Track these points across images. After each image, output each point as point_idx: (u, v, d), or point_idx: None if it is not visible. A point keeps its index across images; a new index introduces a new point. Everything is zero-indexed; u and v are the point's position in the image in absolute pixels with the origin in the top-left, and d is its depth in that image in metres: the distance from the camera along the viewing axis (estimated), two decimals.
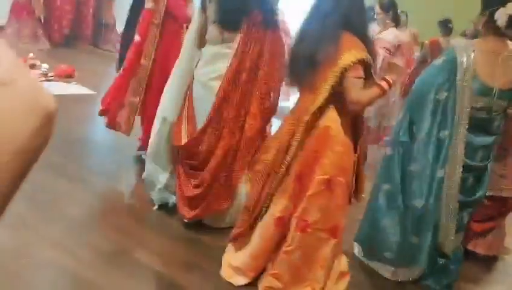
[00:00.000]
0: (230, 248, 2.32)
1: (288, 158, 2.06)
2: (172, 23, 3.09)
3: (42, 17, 6.83)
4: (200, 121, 2.54)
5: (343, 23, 1.99)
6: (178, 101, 2.64)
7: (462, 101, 2.17)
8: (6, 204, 0.47)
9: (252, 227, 2.20)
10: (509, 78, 2.21)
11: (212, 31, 2.53)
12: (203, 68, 2.58)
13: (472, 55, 2.18)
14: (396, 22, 4.03)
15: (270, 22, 2.51)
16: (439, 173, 2.20)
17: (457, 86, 2.17)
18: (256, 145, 2.54)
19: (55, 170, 3.01)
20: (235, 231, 2.27)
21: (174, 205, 2.72)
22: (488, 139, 2.29)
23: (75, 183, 3.01)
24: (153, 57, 3.08)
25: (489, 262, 2.83)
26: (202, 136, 2.52)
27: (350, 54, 1.94)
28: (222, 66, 2.48)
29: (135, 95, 3.15)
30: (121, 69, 3.24)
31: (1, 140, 0.44)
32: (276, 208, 2.12)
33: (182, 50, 2.68)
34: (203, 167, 2.54)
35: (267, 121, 2.63)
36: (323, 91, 1.99)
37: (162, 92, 2.76)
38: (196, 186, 2.56)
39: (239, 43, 2.45)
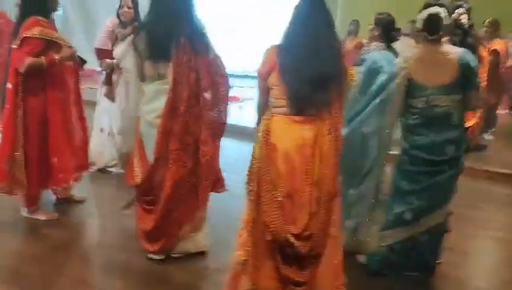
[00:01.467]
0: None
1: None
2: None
3: None
4: (151, 158, 2.55)
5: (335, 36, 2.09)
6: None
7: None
8: None
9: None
10: (442, 77, 2.46)
11: (148, 67, 2.52)
12: (146, 106, 2.59)
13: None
14: None
15: (200, 46, 2.46)
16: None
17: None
18: (215, 168, 2.63)
19: None
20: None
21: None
22: (452, 134, 2.51)
23: None
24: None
25: None
26: (152, 171, 2.54)
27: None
28: (163, 103, 2.47)
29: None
30: None
31: None
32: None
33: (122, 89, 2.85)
34: (158, 200, 2.56)
35: (219, 140, 2.66)
36: (341, 108, 2.09)
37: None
38: (153, 220, 2.58)
39: (172, 75, 2.42)
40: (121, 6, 3.89)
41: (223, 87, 2.58)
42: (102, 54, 3.91)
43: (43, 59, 2.86)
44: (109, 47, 3.92)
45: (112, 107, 3.96)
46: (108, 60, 3.88)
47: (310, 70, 2.00)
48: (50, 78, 2.95)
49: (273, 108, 2.10)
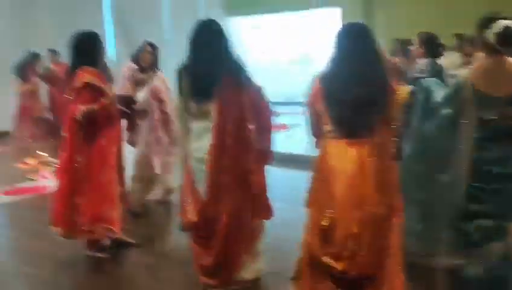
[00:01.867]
0: None
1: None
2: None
3: (47, 115, 7.04)
4: (203, 194, 2.57)
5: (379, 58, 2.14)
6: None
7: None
8: None
9: None
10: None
11: (192, 107, 2.57)
12: (194, 144, 2.62)
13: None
14: None
15: (241, 81, 2.51)
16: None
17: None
18: (264, 196, 2.65)
19: None
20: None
21: None
22: None
23: None
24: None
25: None
26: (207, 207, 2.55)
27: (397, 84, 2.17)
28: (210, 140, 2.52)
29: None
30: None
31: None
32: None
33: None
34: (214, 235, 2.56)
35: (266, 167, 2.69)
36: (389, 130, 2.14)
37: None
38: (212, 255, 2.57)
39: (216, 112, 2.47)
40: (140, 51, 3.87)
41: (266, 116, 2.62)
42: (125, 100, 3.62)
43: (95, 106, 2.98)
44: (131, 93, 3.79)
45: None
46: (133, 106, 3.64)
47: (351, 96, 2.05)
48: (102, 125, 3.06)
49: (327, 132, 2.20)
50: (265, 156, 2.65)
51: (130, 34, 10.27)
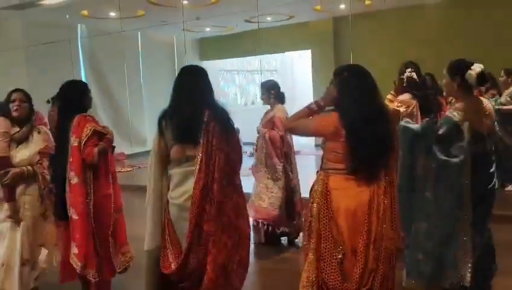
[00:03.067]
0: None
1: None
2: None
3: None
4: (184, 243, 2.47)
5: None
6: (154, 230, 2.61)
7: None
8: None
9: None
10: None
11: (175, 151, 2.51)
12: (175, 190, 2.55)
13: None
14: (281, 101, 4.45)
15: (227, 127, 2.50)
16: None
17: None
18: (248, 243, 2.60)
19: None
20: None
21: None
22: None
23: None
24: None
25: None
26: (187, 257, 2.45)
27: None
28: (192, 185, 2.45)
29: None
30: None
31: None
32: None
33: (148, 178, 2.65)
34: (197, 286, 2.45)
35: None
36: (395, 170, 2.28)
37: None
38: None
39: (201, 157, 2.42)
40: (11, 101, 3.12)
41: (240, 162, 2.60)
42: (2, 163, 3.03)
43: (103, 144, 3.04)
44: (8, 153, 3.06)
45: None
46: (14, 170, 3.03)
47: (374, 134, 2.16)
48: (101, 168, 3.06)
49: (328, 168, 2.26)
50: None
51: (102, 82, 10.37)
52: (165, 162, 2.57)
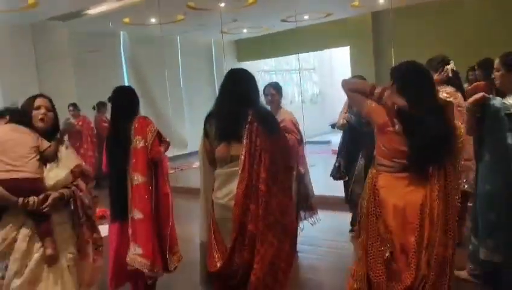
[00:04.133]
0: None
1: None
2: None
3: None
4: (228, 242, 2.51)
5: None
6: (205, 224, 2.69)
7: None
8: None
9: None
10: None
11: (219, 152, 2.55)
12: (219, 190, 2.59)
13: None
14: None
15: (271, 128, 2.51)
16: None
17: None
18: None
19: None
20: None
21: None
22: None
23: None
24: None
25: None
26: (232, 256, 2.48)
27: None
28: (236, 185, 2.48)
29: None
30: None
31: None
32: None
33: (200, 177, 2.74)
34: (243, 284, 2.47)
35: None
36: (455, 170, 2.22)
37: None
38: None
39: (245, 157, 2.44)
40: (35, 108, 2.50)
41: (290, 161, 2.63)
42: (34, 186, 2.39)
43: (165, 145, 3.19)
44: (41, 173, 2.39)
45: None
46: (53, 194, 2.37)
47: (432, 132, 2.12)
48: (159, 168, 3.18)
49: (379, 165, 2.28)
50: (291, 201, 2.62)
51: (144, 86, 10.68)
52: (212, 162, 2.63)
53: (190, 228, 4.92)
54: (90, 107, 8.25)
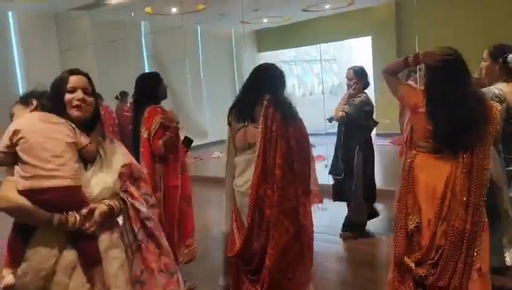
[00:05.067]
0: None
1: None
2: None
3: None
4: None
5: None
6: (228, 215, 2.73)
7: None
8: None
9: None
10: None
11: (238, 139, 2.62)
12: (239, 178, 2.62)
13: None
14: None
15: (289, 115, 2.52)
16: None
17: None
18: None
19: None
20: None
21: None
22: None
23: None
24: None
25: None
26: (248, 239, 2.52)
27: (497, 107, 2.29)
28: (251, 173, 2.51)
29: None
30: None
31: None
32: None
33: (226, 166, 2.78)
34: (260, 269, 2.50)
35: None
36: (485, 150, 2.21)
37: None
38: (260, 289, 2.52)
39: (260, 143, 2.47)
40: (69, 91, 1.78)
41: (307, 150, 2.63)
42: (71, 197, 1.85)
43: (168, 134, 3.16)
44: (80, 181, 1.74)
45: None
46: (100, 207, 1.74)
47: (453, 116, 2.20)
48: (170, 159, 3.19)
49: (417, 146, 2.39)
50: (309, 190, 2.62)
51: (165, 76, 10.74)
52: (233, 148, 2.69)
53: (209, 217, 4.97)
54: (113, 97, 8.35)
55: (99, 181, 1.77)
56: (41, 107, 1.94)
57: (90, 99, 1.80)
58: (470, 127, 2.20)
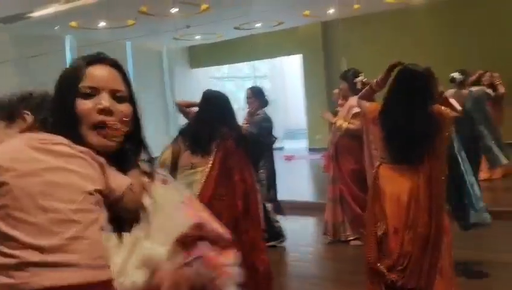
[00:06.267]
0: None
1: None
2: None
3: None
4: None
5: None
6: None
7: None
8: None
9: None
10: None
11: (184, 158, 2.74)
12: None
13: None
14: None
15: (241, 142, 2.76)
16: None
17: None
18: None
19: None
20: None
21: None
22: None
23: None
24: None
25: None
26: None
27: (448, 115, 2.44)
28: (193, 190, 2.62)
29: None
30: None
31: None
32: None
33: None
34: None
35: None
36: (439, 158, 2.40)
37: None
38: None
39: (213, 165, 2.65)
40: (86, 94, 1.00)
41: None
42: None
43: None
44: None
45: None
46: None
47: (405, 131, 2.37)
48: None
49: (380, 157, 2.56)
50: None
51: None
52: (175, 166, 2.80)
53: None
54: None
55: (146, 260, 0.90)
56: (40, 125, 1.11)
57: (125, 109, 1.02)
58: (422, 140, 2.36)
